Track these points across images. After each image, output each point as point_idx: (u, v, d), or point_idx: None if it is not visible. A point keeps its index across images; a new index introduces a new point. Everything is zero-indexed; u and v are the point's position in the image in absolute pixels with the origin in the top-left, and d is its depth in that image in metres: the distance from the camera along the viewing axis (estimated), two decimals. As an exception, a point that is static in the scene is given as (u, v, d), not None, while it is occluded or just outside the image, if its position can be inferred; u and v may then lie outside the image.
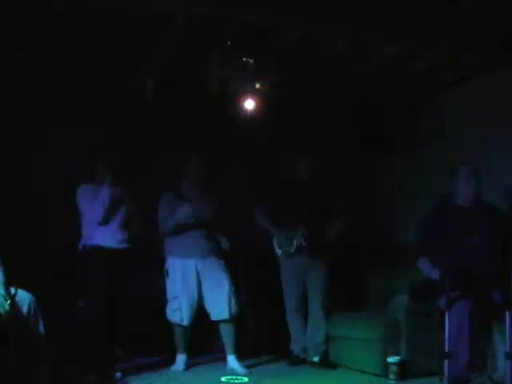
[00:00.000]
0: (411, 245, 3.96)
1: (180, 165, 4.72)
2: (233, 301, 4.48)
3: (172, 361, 4.56)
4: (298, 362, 4.77)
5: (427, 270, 3.77)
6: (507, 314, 3.38)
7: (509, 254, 3.66)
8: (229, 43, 4.12)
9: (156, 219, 4.57)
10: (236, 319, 4.53)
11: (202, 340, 4.81)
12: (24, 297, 2.91)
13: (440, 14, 3.95)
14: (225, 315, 4.46)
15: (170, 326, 4.54)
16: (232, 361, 4.50)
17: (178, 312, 4.46)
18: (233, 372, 4.37)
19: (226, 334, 4.52)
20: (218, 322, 4.53)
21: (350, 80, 4.99)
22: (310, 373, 4.54)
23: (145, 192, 4.60)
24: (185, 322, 4.46)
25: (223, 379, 4.12)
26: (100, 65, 4.57)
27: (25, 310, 2.87)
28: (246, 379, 4.17)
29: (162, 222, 4.56)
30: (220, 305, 4.47)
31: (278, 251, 4.77)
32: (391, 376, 4.11)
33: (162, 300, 4.60)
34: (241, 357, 4.55)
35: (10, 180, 4.66)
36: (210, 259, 4.54)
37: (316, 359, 4.72)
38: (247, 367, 4.48)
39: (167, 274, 4.55)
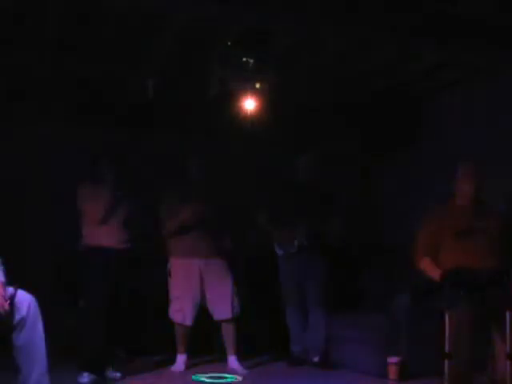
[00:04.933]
0: (412, 245, 3.96)
1: (181, 165, 4.72)
2: (235, 300, 4.50)
3: (172, 361, 4.56)
4: (298, 362, 4.77)
5: (428, 270, 3.77)
6: (507, 314, 3.38)
7: (509, 254, 3.66)
8: (229, 43, 4.13)
9: (158, 219, 4.58)
10: (238, 319, 4.53)
11: (202, 340, 4.81)
12: (24, 297, 2.91)
13: (440, 13, 3.95)
14: (227, 315, 4.48)
15: (170, 325, 4.55)
16: (232, 361, 4.50)
17: (181, 312, 4.47)
18: (233, 372, 4.37)
19: (228, 334, 4.52)
20: (219, 322, 4.54)
21: (350, 80, 4.99)
22: (310, 373, 4.55)
23: (145, 192, 4.61)
24: (187, 322, 4.47)
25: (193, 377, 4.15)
26: (100, 65, 4.57)
27: (25, 310, 2.86)
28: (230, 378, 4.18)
29: (164, 222, 4.57)
30: (223, 304, 4.48)
31: (279, 251, 4.78)
32: (391, 376, 4.11)
33: (162, 300, 4.61)
34: (241, 357, 4.56)
35: (10, 180, 4.66)
36: (213, 259, 4.55)
37: (316, 359, 4.72)
38: (247, 367, 4.49)
39: (170, 274, 4.56)
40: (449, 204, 3.93)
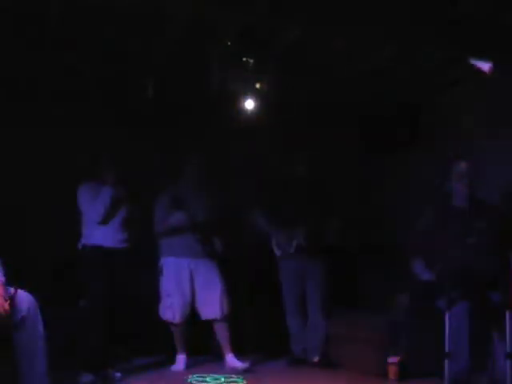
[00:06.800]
0: (409, 245, 3.97)
1: (180, 164, 4.73)
2: (225, 301, 4.54)
3: (172, 361, 4.56)
4: (298, 362, 4.77)
5: (419, 271, 3.79)
6: (507, 314, 3.38)
7: (508, 253, 3.66)
8: (229, 43, 4.13)
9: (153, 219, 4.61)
10: (228, 318, 4.56)
11: (203, 340, 4.81)
12: (24, 297, 2.91)
13: (440, 13, 3.95)
14: (216, 315, 4.52)
15: (169, 325, 4.55)
16: (231, 359, 4.52)
17: (170, 309, 4.50)
18: (233, 370, 4.38)
19: (221, 334, 4.56)
20: (211, 322, 4.56)
21: (350, 80, 4.99)
22: (310, 373, 4.55)
23: (145, 192, 4.61)
24: (177, 320, 4.49)
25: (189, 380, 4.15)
26: (100, 65, 4.57)
27: (25, 310, 2.86)
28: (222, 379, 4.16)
29: (156, 223, 4.59)
30: (212, 304, 4.52)
31: (278, 252, 4.78)
32: (391, 376, 4.11)
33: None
34: (241, 357, 4.57)
35: (11, 180, 4.66)
36: (203, 260, 4.60)
37: (316, 359, 4.73)
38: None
39: (161, 272, 4.58)
40: (447, 205, 3.94)
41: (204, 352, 4.82)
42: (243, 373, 4.33)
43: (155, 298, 4.59)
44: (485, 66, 4.20)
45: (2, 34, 3.98)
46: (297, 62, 4.58)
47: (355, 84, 5.09)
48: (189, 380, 4.13)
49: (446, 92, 5.25)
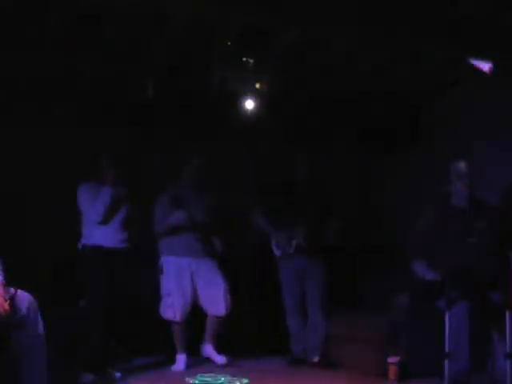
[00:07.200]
0: (409, 245, 3.97)
1: (180, 165, 4.73)
2: (228, 298, 4.60)
3: (172, 361, 4.57)
4: (298, 362, 4.77)
5: (421, 271, 3.79)
6: (507, 314, 3.38)
7: (508, 253, 3.66)
8: (229, 43, 4.13)
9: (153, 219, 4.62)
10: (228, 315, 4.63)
11: (203, 340, 4.81)
12: (24, 297, 2.91)
13: (440, 13, 3.95)
14: (222, 311, 4.57)
15: (169, 325, 4.56)
16: (210, 349, 4.63)
17: (171, 308, 4.52)
18: (210, 360, 4.52)
19: (214, 325, 4.63)
20: (211, 316, 4.63)
21: (350, 80, 4.99)
22: (310, 373, 4.55)
23: (145, 192, 4.61)
24: (178, 318, 4.52)
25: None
26: (100, 65, 4.57)
27: (24, 310, 2.86)
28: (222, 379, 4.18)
29: (156, 223, 4.60)
30: (217, 301, 4.58)
31: (277, 252, 4.78)
32: (391, 376, 4.11)
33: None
34: (241, 357, 4.59)
35: (11, 180, 4.66)
36: (204, 260, 4.63)
37: (316, 359, 4.73)
38: (247, 367, 4.49)
39: (162, 271, 4.60)
40: (447, 205, 3.94)
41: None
42: (222, 367, 4.42)
43: (155, 297, 4.60)
44: (485, 66, 4.19)
45: (1, 34, 3.98)
46: (297, 61, 4.58)
47: (355, 84, 5.09)
48: (192, 381, 4.13)
49: (445, 92, 5.25)
